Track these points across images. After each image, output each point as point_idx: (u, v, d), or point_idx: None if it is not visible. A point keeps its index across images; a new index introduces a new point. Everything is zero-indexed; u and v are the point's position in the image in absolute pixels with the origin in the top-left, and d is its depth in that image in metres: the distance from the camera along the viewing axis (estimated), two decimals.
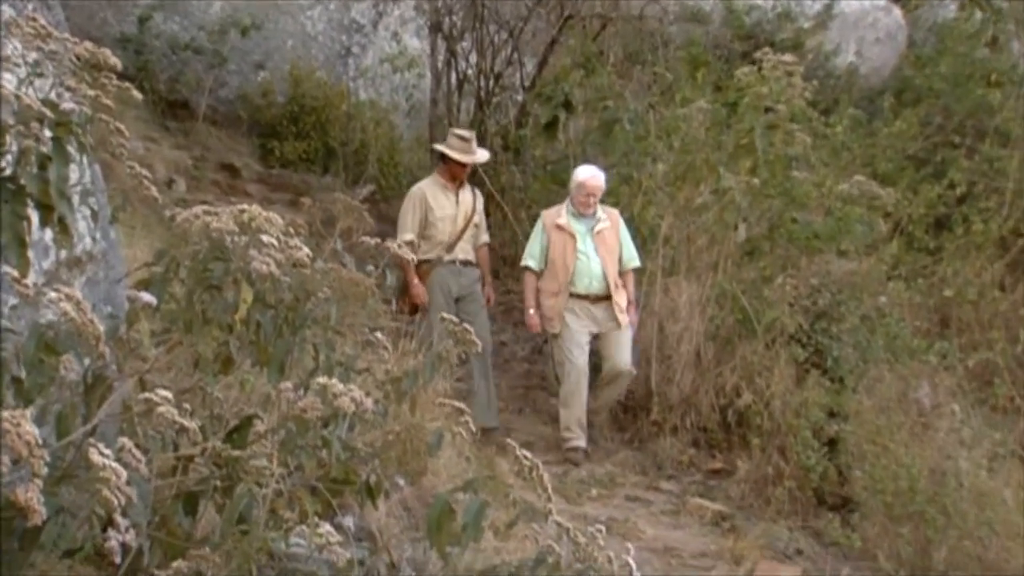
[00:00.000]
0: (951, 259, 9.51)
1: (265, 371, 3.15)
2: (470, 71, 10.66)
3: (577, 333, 7.55)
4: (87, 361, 2.71)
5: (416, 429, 5.24)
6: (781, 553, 6.70)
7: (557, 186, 9.56)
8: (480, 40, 10.53)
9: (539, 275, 7.75)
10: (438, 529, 3.21)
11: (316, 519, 2.83)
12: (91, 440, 2.35)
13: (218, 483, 2.86)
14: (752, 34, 12.10)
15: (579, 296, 7.59)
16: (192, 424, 2.69)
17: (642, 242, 7.88)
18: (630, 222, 8.13)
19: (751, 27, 12.31)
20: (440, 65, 10.82)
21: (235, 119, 11.31)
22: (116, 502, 2.23)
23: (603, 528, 3.34)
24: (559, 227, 7.68)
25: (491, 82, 10.50)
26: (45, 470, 2.10)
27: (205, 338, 2.91)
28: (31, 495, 2.07)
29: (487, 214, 10.48)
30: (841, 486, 7.10)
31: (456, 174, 7.77)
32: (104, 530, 2.37)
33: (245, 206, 3.03)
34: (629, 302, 7.65)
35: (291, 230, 3.11)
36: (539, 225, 7.87)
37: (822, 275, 8.01)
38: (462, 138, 7.79)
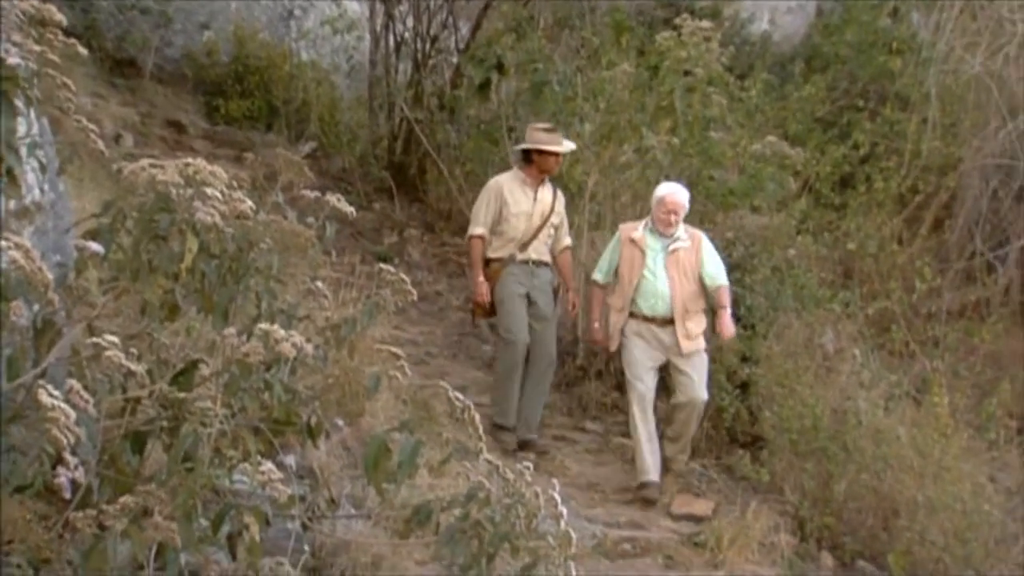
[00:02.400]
0: (854, 215, 9.66)
1: (210, 318, 3.11)
2: (407, 34, 10.54)
3: (643, 357, 6.74)
4: (36, 307, 2.66)
5: (354, 373, 5.24)
6: (696, 487, 6.83)
7: (490, 144, 9.51)
8: (417, 4, 10.42)
9: (606, 289, 6.99)
10: (375, 467, 3.22)
11: (259, 457, 2.82)
12: (41, 382, 2.31)
13: (164, 423, 2.84)
14: (673, 1, 12.09)
15: (645, 318, 6.74)
16: (139, 368, 2.66)
17: (570, 198, 7.83)
18: (558, 179, 8.12)
19: None
20: (379, 28, 10.68)
21: (181, 77, 11.14)
22: (65, 441, 2.21)
23: (531, 465, 3.37)
24: (632, 241, 6.83)
25: (427, 45, 10.41)
26: None
27: (151, 286, 2.88)
28: None
29: (423, 171, 10.46)
30: (752, 425, 7.21)
31: (548, 167, 7.05)
32: (54, 467, 2.34)
33: (190, 160, 2.99)
34: (722, 307, 6.74)
35: (235, 183, 3.07)
36: (615, 238, 7.01)
37: (736, 229, 8.06)
38: (548, 130, 7.04)
